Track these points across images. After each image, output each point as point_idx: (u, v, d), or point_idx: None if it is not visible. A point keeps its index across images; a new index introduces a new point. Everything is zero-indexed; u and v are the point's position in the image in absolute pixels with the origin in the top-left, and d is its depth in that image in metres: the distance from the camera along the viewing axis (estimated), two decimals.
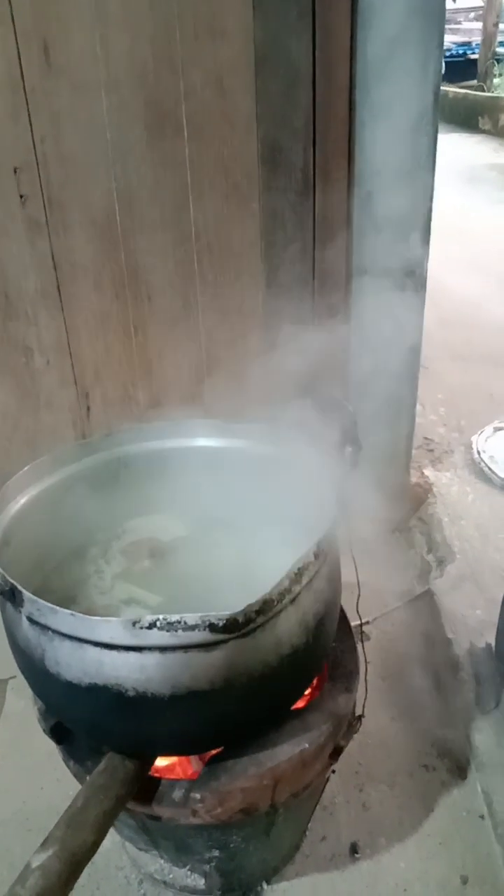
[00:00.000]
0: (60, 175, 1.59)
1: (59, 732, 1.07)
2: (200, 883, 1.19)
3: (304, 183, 1.66)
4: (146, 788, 0.99)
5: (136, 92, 1.54)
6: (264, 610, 0.87)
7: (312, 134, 1.62)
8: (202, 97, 1.56)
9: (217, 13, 1.51)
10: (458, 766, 1.45)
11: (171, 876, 1.23)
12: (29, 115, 1.53)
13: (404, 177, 1.68)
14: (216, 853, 1.11)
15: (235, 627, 0.85)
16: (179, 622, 0.83)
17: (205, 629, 0.83)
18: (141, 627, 0.83)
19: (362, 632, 1.72)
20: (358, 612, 1.35)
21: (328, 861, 1.31)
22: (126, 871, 1.30)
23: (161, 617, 0.83)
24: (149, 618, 0.83)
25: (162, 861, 1.22)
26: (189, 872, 1.19)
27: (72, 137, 1.56)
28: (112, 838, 1.30)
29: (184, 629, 0.83)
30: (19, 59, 1.48)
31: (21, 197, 1.60)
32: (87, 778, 0.95)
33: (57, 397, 1.82)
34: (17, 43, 1.47)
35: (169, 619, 0.83)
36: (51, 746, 1.12)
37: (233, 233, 1.68)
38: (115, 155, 1.59)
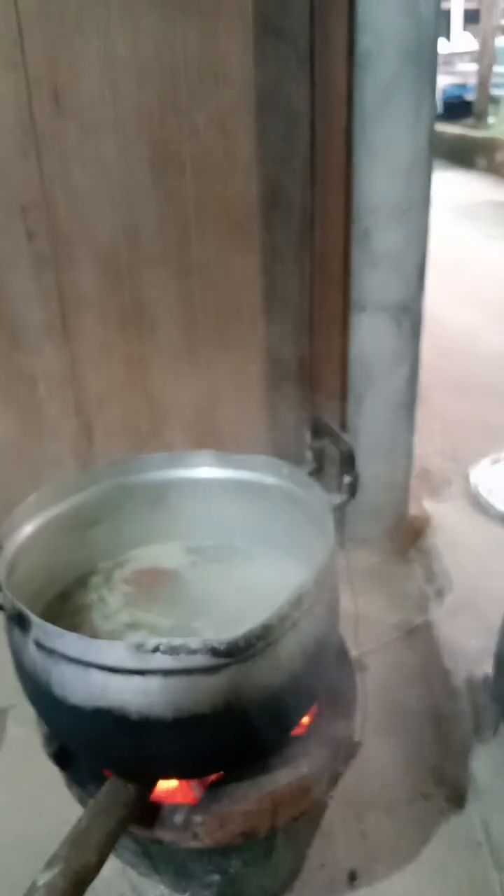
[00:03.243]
0: (67, 212, 1.64)
1: (62, 757, 1.09)
2: None
3: (303, 221, 1.71)
4: (148, 813, 1.01)
5: (142, 133, 1.60)
6: (265, 635, 0.89)
7: (311, 174, 1.67)
8: (205, 138, 1.62)
9: (219, 59, 1.57)
10: (456, 795, 1.46)
11: None
12: (38, 155, 1.58)
13: (400, 215, 1.73)
14: (216, 878, 1.12)
15: (237, 652, 0.87)
16: (182, 646, 0.85)
17: (207, 653, 0.86)
18: (145, 651, 0.86)
19: (361, 662, 1.74)
20: (356, 641, 1.37)
21: (327, 888, 1.31)
22: None
23: (164, 641, 0.85)
24: (152, 642, 0.85)
25: (162, 887, 1.23)
26: None
27: (79, 176, 1.62)
28: (113, 865, 1.31)
29: (186, 653, 0.86)
30: (30, 103, 1.54)
31: (28, 234, 1.65)
32: (91, 801, 0.97)
33: (60, 427, 1.86)
34: (28, 88, 1.52)
35: (172, 644, 0.85)
36: (51, 774, 1.13)
37: (234, 268, 1.73)
38: (121, 193, 1.64)
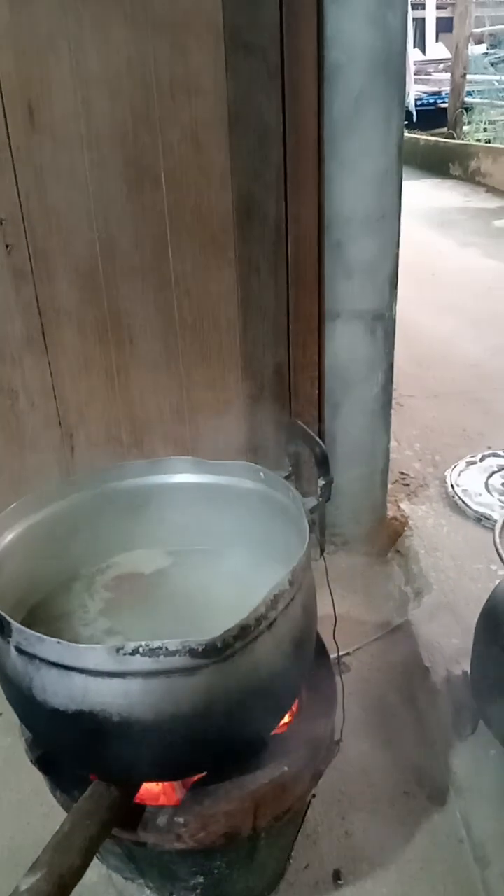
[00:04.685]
0: (44, 227, 1.66)
1: (45, 763, 1.10)
2: None
3: (277, 232, 1.74)
4: (131, 815, 1.02)
5: (116, 148, 1.62)
6: (242, 635, 0.91)
7: (284, 186, 1.70)
8: (179, 152, 1.65)
9: (191, 73, 1.60)
10: (437, 792, 1.48)
11: None
12: (14, 171, 1.60)
13: (373, 224, 1.77)
14: (201, 879, 1.14)
15: (215, 652, 0.89)
16: (161, 648, 0.87)
17: (185, 654, 0.88)
18: (124, 654, 0.88)
19: (343, 663, 1.76)
20: (336, 642, 1.39)
21: (312, 888, 1.33)
22: None
23: (143, 643, 0.87)
24: (132, 644, 0.87)
25: (148, 891, 1.24)
26: None
27: (55, 191, 1.64)
28: (98, 870, 1.32)
29: (165, 655, 0.88)
30: (5, 119, 1.56)
31: (7, 247, 1.67)
32: (74, 805, 0.98)
33: (42, 438, 1.87)
34: (3, 104, 1.55)
35: (151, 646, 0.87)
36: (37, 782, 1.14)
37: (210, 280, 1.76)
38: (97, 207, 1.66)
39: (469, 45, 9.70)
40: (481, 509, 2.19)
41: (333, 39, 1.62)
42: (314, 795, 1.28)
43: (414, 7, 12.78)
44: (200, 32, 1.56)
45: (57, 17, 1.50)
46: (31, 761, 1.10)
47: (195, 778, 1.05)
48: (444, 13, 13.48)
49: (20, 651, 0.94)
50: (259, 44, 1.60)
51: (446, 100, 10.45)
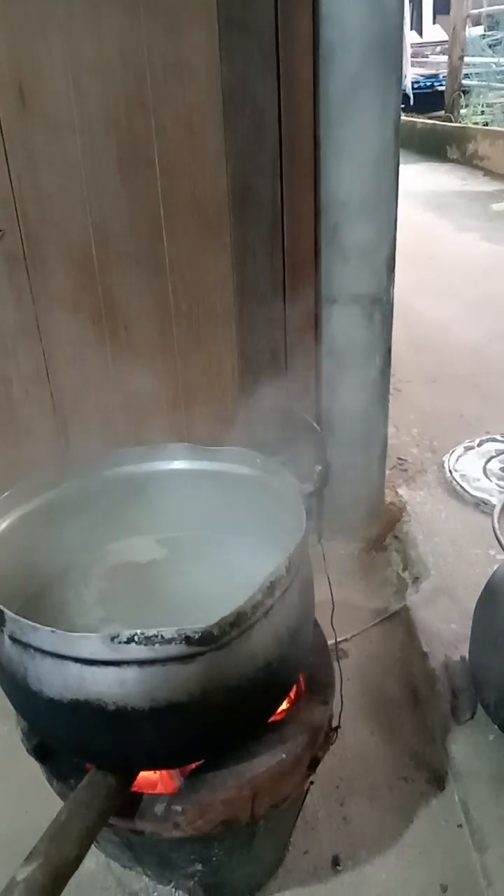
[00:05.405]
0: (37, 212, 1.64)
1: (42, 751, 1.10)
2: None
3: (272, 217, 1.72)
4: (129, 804, 1.02)
5: (109, 132, 1.60)
6: (238, 622, 0.91)
7: (279, 170, 1.69)
8: (173, 136, 1.62)
9: (185, 55, 1.57)
10: (436, 777, 1.48)
11: (155, 894, 1.25)
12: (6, 156, 1.58)
13: (369, 209, 1.75)
14: (199, 867, 1.14)
15: (211, 640, 0.89)
16: (156, 636, 0.87)
17: (181, 642, 0.87)
18: (119, 642, 0.87)
19: (341, 649, 1.76)
20: (333, 628, 1.39)
21: (311, 875, 1.33)
22: (111, 892, 1.32)
23: (139, 631, 0.87)
24: (127, 633, 0.87)
25: (146, 879, 1.24)
26: (174, 889, 1.21)
27: (47, 176, 1.62)
28: (97, 858, 1.32)
29: (161, 643, 0.87)
30: None
31: None
32: (71, 794, 0.97)
33: (36, 426, 1.86)
34: None
35: (146, 634, 0.87)
36: (35, 770, 1.14)
37: (206, 265, 1.74)
38: (90, 192, 1.64)
39: (466, 26, 9.61)
40: (479, 494, 2.18)
41: (329, 18, 1.60)
42: (312, 782, 1.28)
43: None
44: (194, 13, 1.53)
45: (47, 0, 1.48)
46: (28, 750, 1.10)
47: (193, 766, 1.05)
48: None
49: (14, 640, 0.93)
50: (253, 24, 1.58)
51: (443, 82, 10.35)
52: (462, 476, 2.27)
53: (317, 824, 1.41)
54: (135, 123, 1.60)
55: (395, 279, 1.87)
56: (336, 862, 1.35)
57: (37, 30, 1.50)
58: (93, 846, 0.97)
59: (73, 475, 1.26)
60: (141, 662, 0.89)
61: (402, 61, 1.70)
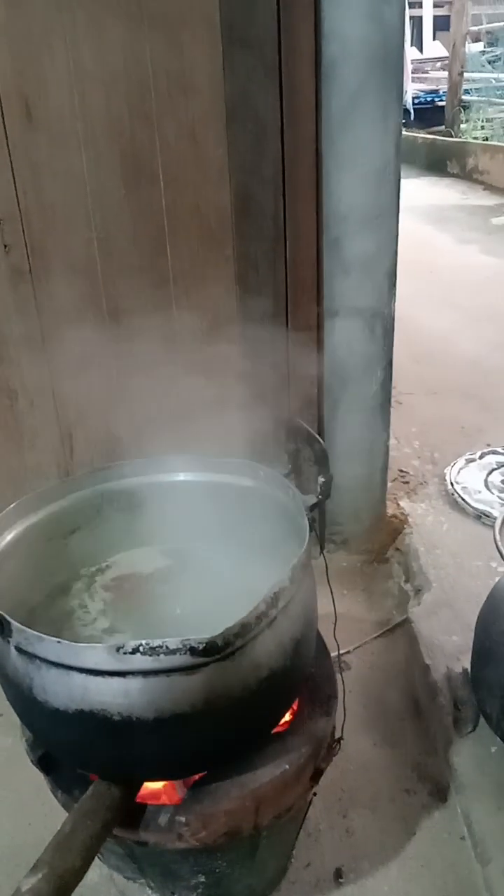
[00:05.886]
0: (42, 225, 1.66)
1: (46, 763, 1.10)
2: None
3: (275, 229, 1.73)
4: (132, 815, 1.02)
5: (113, 145, 1.62)
6: (242, 633, 0.91)
7: (282, 183, 1.70)
8: (176, 149, 1.64)
9: (188, 69, 1.59)
10: (438, 789, 1.48)
11: None
12: (12, 169, 1.60)
13: (370, 221, 1.76)
14: (202, 879, 1.14)
15: (215, 650, 0.89)
16: (161, 647, 0.87)
17: (185, 653, 0.87)
18: (124, 653, 0.87)
19: (343, 661, 1.76)
20: (336, 640, 1.39)
21: (313, 887, 1.33)
22: None
23: (143, 642, 0.87)
24: (132, 643, 0.87)
25: (150, 891, 1.24)
26: None
27: (52, 189, 1.63)
28: (99, 871, 1.32)
29: (165, 653, 0.87)
30: (2, 116, 1.55)
31: (5, 246, 1.66)
32: (75, 805, 0.97)
33: (41, 437, 1.87)
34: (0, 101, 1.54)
35: (151, 644, 0.87)
36: (38, 782, 1.14)
37: (209, 277, 1.75)
38: (95, 205, 1.65)
39: (466, 42, 9.68)
40: (481, 506, 2.19)
41: (330, 35, 1.62)
42: (315, 794, 1.28)
43: (411, 5, 12.77)
44: (197, 28, 1.55)
45: (52, 13, 1.50)
46: (32, 761, 1.10)
47: (196, 777, 1.04)
48: (441, 11, 13.47)
49: (20, 651, 0.93)
50: (256, 39, 1.60)
51: (444, 98, 10.43)
52: (463, 488, 2.28)
53: (319, 836, 1.41)
54: (138, 136, 1.62)
55: (397, 292, 1.88)
56: (338, 874, 1.34)
57: (42, 43, 1.52)
58: (96, 858, 0.97)
59: (78, 487, 1.26)
60: (145, 673, 0.89)
61: (402, 77, 1.71)
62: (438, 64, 12.37)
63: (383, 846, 1.38)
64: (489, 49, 10.48)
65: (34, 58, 1.52)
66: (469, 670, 1.53)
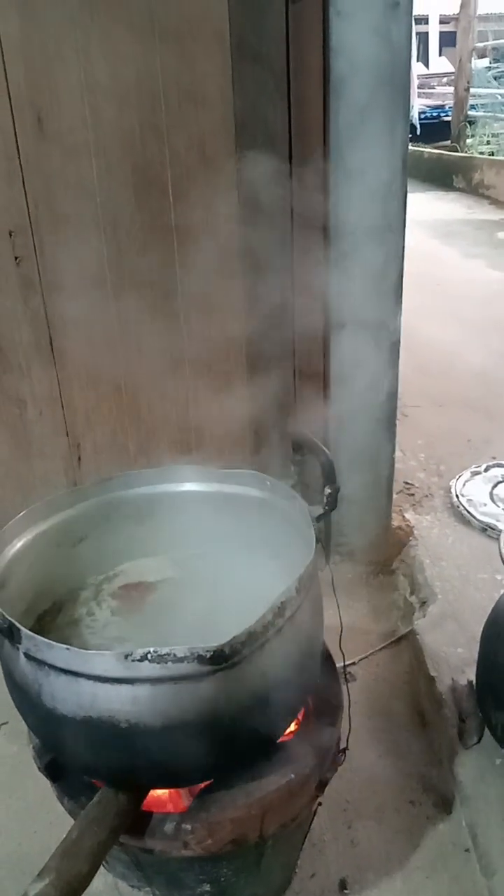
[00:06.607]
0: (53, 237, 1.68)
1: (53, 770, 1.10)
2: None
3: (283, 243, 1.75)
4: (138, 822, 1.02)
5: (124, 157, 1.64)
6: (250, 642, 0.92)
7: (289, 195, 1.72)
8: (186, 161, 1.66)
9: (198, 83, 1.61)
10: (443, 801, 1.48)
11: None
12: (23, 180, 1.62)
13: (377, 235, 1.78)
14: (207, 888, 1.14)
15: (222, 659, 0.90)
16: (169, 654, 0.88)
17: (193, 661, 0.88)
18: (133, 660, 0.88)
19: (349, 672, 1.76)
20: (342, 650, 1.40)
21: None
22: None
23: (152, 649, 0.88)
24: (140, 651, 0.88)
25: None
26: None
27: (64, 201, 1.65)
28: (104, 879, 1.32)
29: (173, 661, 0.88)
30: (14, 127, 1.57)
31: (16, 259, 1.68)
32: (82, 812, 0.98)
33: (49, 446, 1.88)
34: (12, 113, 1.56)
35: (159, 652, 0.88)
36: (44, 790, 1.15)
37: (218, 289, 1.77)
38: (105, 217, 1.67)
39: (472, 58, 9.76)
40: (486, 519, 2.19)
41: (338, 50, 1.64)
42: (320, 804, 1.28)
43: (417, 21, 12.84)
44: (207, 42, 1.58)
45: (65, 27, 1.52)
46: (39, 769, 1.11)
47: (202, 785, 1.05)
48: (447, 27, 13.58)
49: (29, 657, 0.94)
50: (265, 54, 1.62)
51: (450, 113, 10.51)
52: (469, 501, 2.28)
53: (324, 847, 1.40)
54: (149, 149, 1.64)
55: (403, 304, 1.89)
56: (343, 885, 1.34)
57: (55, 56, 1.54)
58: (101, 867, 0.97)
59: (86, 496, 1.27)
60: (153, 680, 0.90)
61: (409, 92, 1.73)
62: (444, 79, 12.45)
63: (388, 857, 1.38)
64: (495, 65, 10.57)
65: (47, 70, 1.55)
66: (474, 682, 1.53)
